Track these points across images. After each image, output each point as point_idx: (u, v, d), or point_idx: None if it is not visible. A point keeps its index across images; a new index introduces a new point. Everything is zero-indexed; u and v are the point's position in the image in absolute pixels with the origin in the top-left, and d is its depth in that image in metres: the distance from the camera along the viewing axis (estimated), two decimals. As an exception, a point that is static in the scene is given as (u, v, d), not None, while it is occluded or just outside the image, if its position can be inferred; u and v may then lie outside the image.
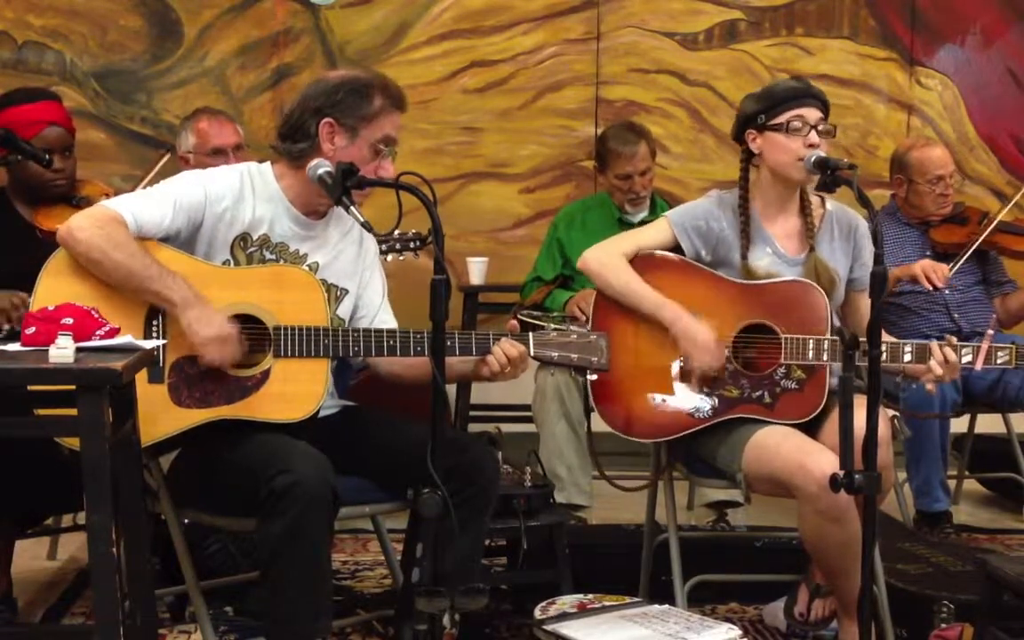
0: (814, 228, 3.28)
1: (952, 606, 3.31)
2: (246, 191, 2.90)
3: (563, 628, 2.81)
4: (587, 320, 3.32)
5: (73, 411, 2.32)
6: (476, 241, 5.77)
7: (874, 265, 2.68)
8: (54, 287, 2.74)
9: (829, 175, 2.98)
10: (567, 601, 3.01)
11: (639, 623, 2.84)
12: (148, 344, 2.62)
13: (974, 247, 4.46)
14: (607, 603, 2.99)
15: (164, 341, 2.77)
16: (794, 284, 3.21)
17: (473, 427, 5.18)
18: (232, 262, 2.88)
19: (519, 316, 4.30)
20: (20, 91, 3.76)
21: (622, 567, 3.57)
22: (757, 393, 3.17)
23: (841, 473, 2.63)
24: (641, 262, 3.26)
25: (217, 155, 4.01)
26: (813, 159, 3.09)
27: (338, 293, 3.00)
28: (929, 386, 3.18)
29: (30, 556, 4.01)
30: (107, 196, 3.35)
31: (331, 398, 2.97)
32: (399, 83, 2.98)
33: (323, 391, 2.82)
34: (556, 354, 2.93)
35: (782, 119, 3.18)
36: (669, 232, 3.28)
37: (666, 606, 2.99)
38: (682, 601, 3.25)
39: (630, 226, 4.51)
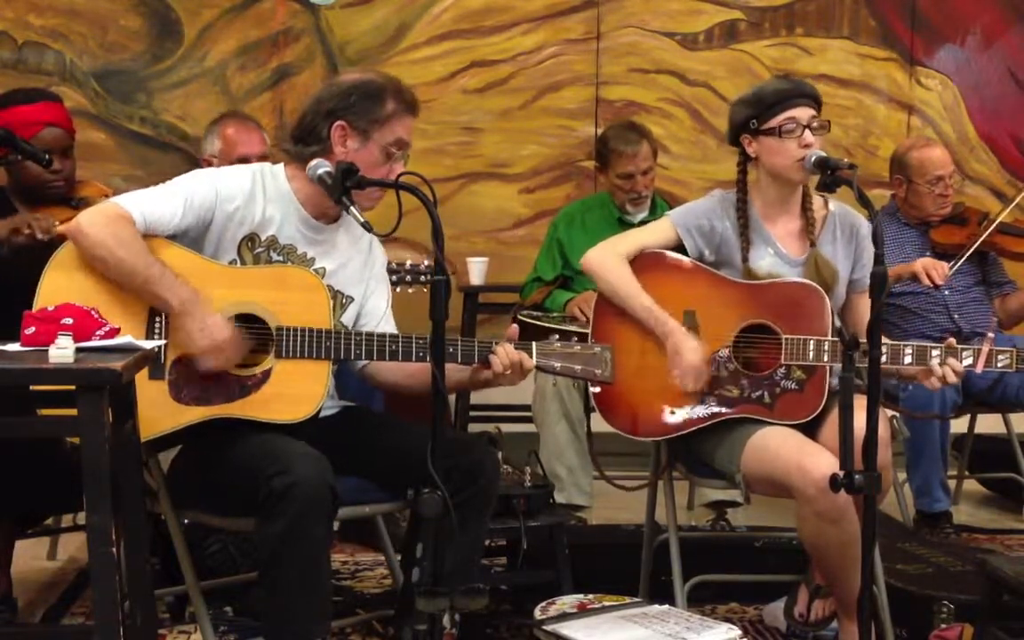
0: (815, 226, 3.28)
1: (952, 606, 3.32)
2: (257, 191, 2.90)
3: (563, 628, 2.80)
4: (587, 321, 3.32)
5: (73, 411, 2.32)
6: (476, 241, 5.78)
7: (874, 265, 2.68)
8: (59, 280, 2.75)
9: (829, 175, 2.98)
10: (567, 601, 3.01)
11: (639, 623, 2.84)
12: (148, 344, 2.62)
13: (973, 248, 4.46)
14: (607, 603, 2.99)
15: (164, 341, 2.77)
16: (796, 285, 3.21)
17: (473, 427, 5.18)
18: (238, 262, 2.88)
19: (519, 317, 4.32)
20: (20, 91, 3.76)
21: (622, 567, 3.56)
22: (757, 393, 3.17)
23: (841, 473, 2.63)
24: (643, 261, 3.26)
25: (241, 163, 3.99)
26: (813, 159, 3.09)
27: (343, 300, 3.00)
28: (933, 383, 3.17)
29: (30, 556, 4.01)
30: (106, 197, 3.35)
31: (331, 399, 2.97)
32: (402, 84, 2.98)
33: (323, 392, 2.82)
34: (559, 364, 2.91)
35: (774, 123, 3.17)
36: (672, 231, 3.28)
37: (666, 606, 2.99)
38: (682, 601, 3.25)
39: (630, 226, 4.51)
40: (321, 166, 2.76)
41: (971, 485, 5.32)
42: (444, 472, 2.44)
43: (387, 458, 2.91)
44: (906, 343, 3.18)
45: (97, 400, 2.30)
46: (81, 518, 3.52)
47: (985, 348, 3.12)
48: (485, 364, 2.83)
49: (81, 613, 3.63)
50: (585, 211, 4.84)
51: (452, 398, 5.01)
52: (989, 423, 4.92)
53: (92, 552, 2.32)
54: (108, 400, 2.33)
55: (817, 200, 3.33)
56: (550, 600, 3.01)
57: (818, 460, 2.94)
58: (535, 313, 4.56)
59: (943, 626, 3.30)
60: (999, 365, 3.14)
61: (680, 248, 3.27)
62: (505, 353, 2.83)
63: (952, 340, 3.14)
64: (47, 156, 3.48)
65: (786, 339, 3.15)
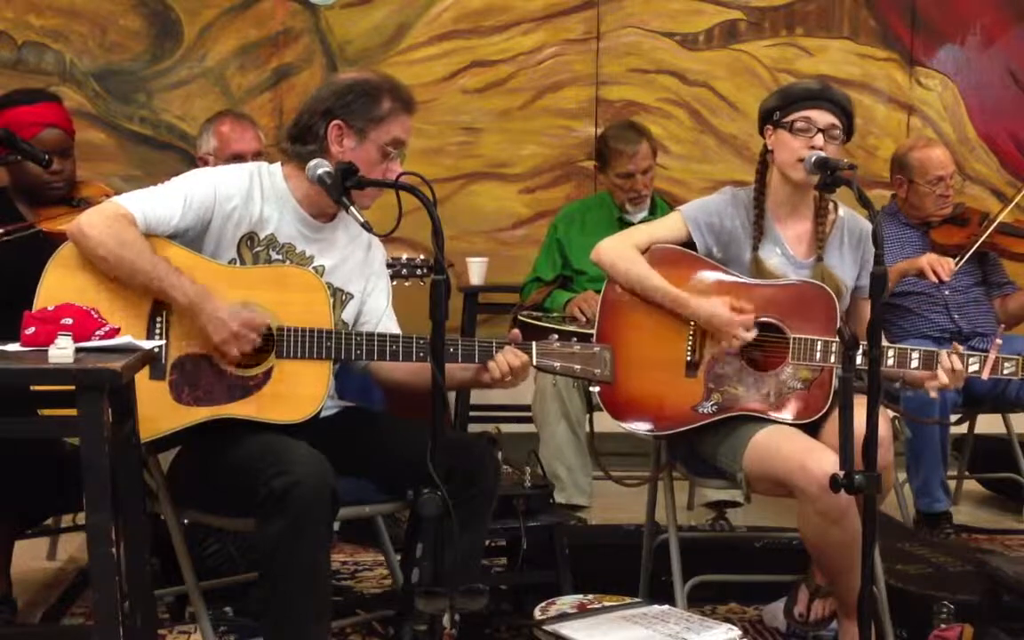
0: (825, 236, 3.28)
1: (952, 606, 3.31)
2: (255, 191, 2.91)
3: (563, 628, 2.80)
4: (587, 321, 3.32)
5: (73, 411, 2.32)
6: (476, 241, 5.77)
7: (874, 265, 2.67)
8: (59, 280, 2.76)
9: (829, 175, 2.98)
10: (567, 601, 3.01)
11: (639, 623, 2.84)
12: (148, 344, 2.62)
13: (974, 248, 4.46)
14: (607, 603, 2.99)
15: (164, 342, 2.77)
16: (804, 285, 3.21)
17: (473, 427, 5.17)
18: (238, 261, 2.88)
19: (519, 317, 4.32)
20: (20, 92, 3.76)
21: (622, 567, 3.56)
22: (762, 391, 3.17)
23: (841, 473, 2.63)
24: (651, 256, 3.25)
25: (236, 160, 4.00)
26: (813, 159, 3.09)
27: (343, 297, 3.00)
28: (932, 386, 3.17)
29: (30, 556, 4.01)
30: (107, 197, 3.35)
31: (331, 399, 2.97)
32: (400, 84, 2.99)
33: (324, 393, 2.82)
34: (559, 364, 2.91)
35: (791, 118, 3.18)
36: (682, 227, 3.28)
37: (666, 606, 2.99)
38: (682, 601, 3.25)
39: (630, 226, 4.50)
40: (320, 166, 2.76)
41: (971, 485, 5.32)
42: (444, 472, 2.44)
43: (387, 458, 2.91)
44: (913, 347, 3.17)
45: (97, 400, 2.30)
46: (81, 518, 3.52)
47: (992, 354, 3.11)
48: (485, 366, 2.84)
49: (81, 613, 3.63)
50: (585, 211, 4.84)
51: (452, 397, 5.01)
52: (989, 423, 4.92)
53: (92, 552, 2.32)
54: (108, 400, 2.33)
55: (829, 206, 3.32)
56: (550, 600, 3.01)
57: (821, 459, 2.93)
58: (535, 313, 4.55)
59: (943, 626, 3.29)
60: (1005, 372, 3.13)
61: (689, 243, 3.27)
62: (504, 359, 2.84)
63: (960, 347, 3.14)
64: (47, 157, 3.48)
65: (793, 339, 3.15)
